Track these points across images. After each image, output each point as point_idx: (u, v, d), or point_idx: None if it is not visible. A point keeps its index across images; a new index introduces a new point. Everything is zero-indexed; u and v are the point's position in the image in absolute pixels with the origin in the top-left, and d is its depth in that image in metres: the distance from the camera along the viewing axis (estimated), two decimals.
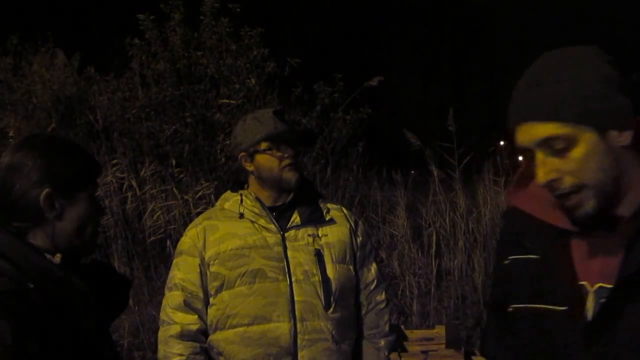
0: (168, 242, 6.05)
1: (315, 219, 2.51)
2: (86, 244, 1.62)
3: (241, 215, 2.47)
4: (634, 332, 1.32)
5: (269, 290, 2.38)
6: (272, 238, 2.44)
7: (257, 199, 2.49)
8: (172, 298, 2.46)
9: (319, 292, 2.40)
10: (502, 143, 7.57)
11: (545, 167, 1.39)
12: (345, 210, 2.63)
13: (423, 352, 4.56)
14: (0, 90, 7.46)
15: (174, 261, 2.54)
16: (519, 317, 1.49)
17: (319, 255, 2.45)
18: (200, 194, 6.47)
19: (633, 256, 1.34)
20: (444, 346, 4.67)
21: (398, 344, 4.73)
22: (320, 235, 2.49)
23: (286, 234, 2.46)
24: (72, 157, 1.60)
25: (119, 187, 6.52)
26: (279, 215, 2.49)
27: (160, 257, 6.21)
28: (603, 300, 1.37)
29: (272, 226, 2.46)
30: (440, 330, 4.96)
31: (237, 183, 2.61)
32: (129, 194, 6.45)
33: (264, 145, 2.46)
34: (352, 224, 2.58)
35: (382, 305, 2.59)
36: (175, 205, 6.34)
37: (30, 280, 1.45)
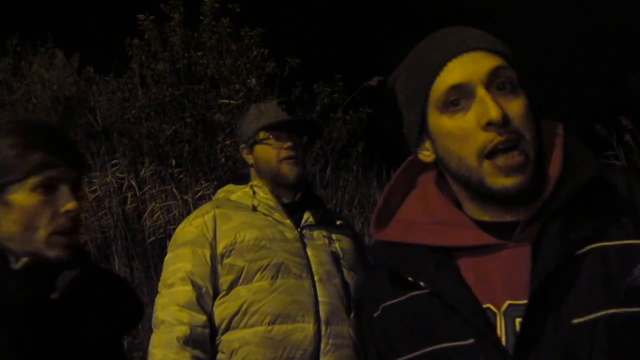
0: (168, 242, 6.04)
1: (328, 222, 2.33)
2: (50, 248, 1.34)
3: (254, 208, 2.23)
4: (563, 348, 1.09)
5: (292, 287, 2.13)
6: (290, 233, 2.23)
7: (272, 192, 2.28)
8: (178, 294, 2.11)
9: (342, 294, 2.20)
10: None
11: (498, 103, 1.14)
12: (347, 222, 2.48)
13: None
14: (0, 91, 7.46)
15: (175, 253, 2.21)
16: None
17: (336, 258, 2.26)
18: (200, 194, 6.46)
19: (542, 262, 1.12)
20: None
21: None
22: (334, 239, 2.31)
23: (303, 232, 2.26)
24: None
25: (119, 187, 6.52)
26: (289, 213, 2.29)
27: (160, 257, 6.19)
28: (518, 319, 1.12)
29: (287, 221, 2.25)
30: None
31: (239, 178, 2.41)
32: (129, 194, 6.44)
33: (262, 135, 2.28)
34: (356, 237, 2.45)
35: None
36: (175, 205, 6.34)
37: None
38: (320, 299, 2.15)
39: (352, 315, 2.19)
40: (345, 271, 2.25)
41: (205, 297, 2.12)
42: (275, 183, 2.29)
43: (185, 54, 7.22)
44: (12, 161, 1.32)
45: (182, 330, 2.07)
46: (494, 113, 1.13)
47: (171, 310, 2.10)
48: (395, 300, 1.23)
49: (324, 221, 2.31)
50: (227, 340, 2.12)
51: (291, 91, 7.34)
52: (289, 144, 2.26)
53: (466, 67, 1.17)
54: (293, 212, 2.29)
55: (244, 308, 2.11)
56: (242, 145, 2.35)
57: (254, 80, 7.21)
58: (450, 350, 1.16)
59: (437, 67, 1.19)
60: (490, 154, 1.14)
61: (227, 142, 6.82)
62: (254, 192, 2.27)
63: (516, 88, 1.18)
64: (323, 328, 2.12)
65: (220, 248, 2.16)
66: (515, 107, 1.16)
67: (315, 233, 2.27)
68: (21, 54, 7.81)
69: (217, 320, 2.14)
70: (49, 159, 1.33)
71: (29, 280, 1.33)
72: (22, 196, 1.33)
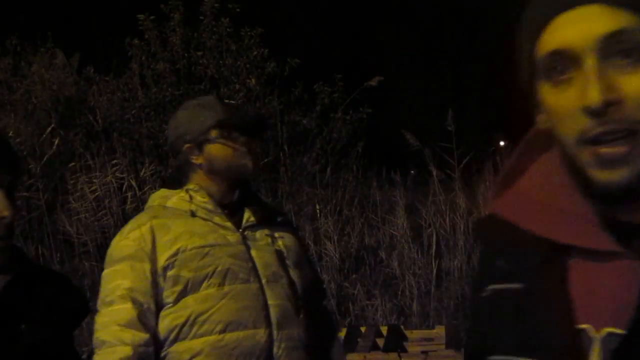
0: None
1: (269, 219, 2.24)
2: None
3: (192, 214, 2.13)
4: None
5: (241, 292, 2.06)
6: (232, 237, 2.13)
7: (209, 195, 2.18)
8: (119, 313, 1.99)
9: (290, 295, 2.13)
10: (502, 143, 7.57)
11: (604, 81, 0.87)
12: (286, 216, 2.43)
13: (423, 352, 4.56)
14: (0, 91, 7.46)
15: (113, 269, 2.08)
16: None
17: (281, 257, 2.19)
18: None
19: None
20: (443, 346, 4.68)
21: (398, 344, 4.73)
22: (277, 237, 2.23)
23: (245, 233, 2.17)
24: None
25: (119, 187, 6.52)
26: (229, 214, 2.18)
27: None
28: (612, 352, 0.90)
29: (228, 224, 2.15)
30: (440, 331, 4.97)
31: (175, 181, 2.28)
32: (129, 194, 6.44)
33: (214, 133, 2.16)
34: (296, 232, 2.38)
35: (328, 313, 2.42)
36: None
37: None
38: (269, 302, 2.09)
39: (301, 316, 2.15)
40: (290, 270, 2.19)
41: (147, 313, 2.02)
42: (233, 178, 2.18)
43: (185, 54, 7.22)
44: None
45: (125, 351, 1.96)
46: (591, 98, 0.87)
47: (112, 330, 1.99)
48: (502, 286, 1.02)
49: (265, 219, 2.22)
50: (176, 351, 2.03)
51: (291, 91, 7.35)
52: (244, 139, 2.16)
53: (575, 28, 0.90)
54: (233, 212, 2.19)
55: (192, 318, 2.03)
56: (188, 145, 2.19)
57: (254, 80, 7.22)
58: None
59: (542, 22, 0.93)
60: (591, 141, 0.90)
61: None
62: (191, 197, 2.16)
63: None
64: (275, 332, 2.07)
65: (162, 261, 2.05)
66: (636, 82, 0.88)
67: (258, 233, 2.18)
68: (21, 54, 7.81)
69: (164, 332, 2.04)
70: None
71: None
72: None
